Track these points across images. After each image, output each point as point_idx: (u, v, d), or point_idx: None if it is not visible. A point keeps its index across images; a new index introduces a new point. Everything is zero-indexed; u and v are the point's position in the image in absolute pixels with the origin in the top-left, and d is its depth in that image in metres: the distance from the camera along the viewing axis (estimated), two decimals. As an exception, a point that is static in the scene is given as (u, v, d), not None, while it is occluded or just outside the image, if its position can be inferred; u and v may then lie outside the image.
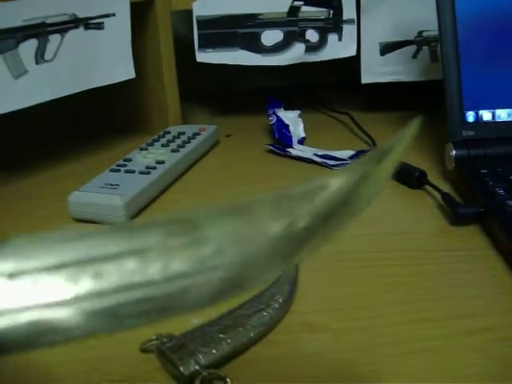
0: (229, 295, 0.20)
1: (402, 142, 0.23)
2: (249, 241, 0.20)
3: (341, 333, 0.42)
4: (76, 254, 0.19)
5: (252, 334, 0.40)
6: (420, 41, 0.83)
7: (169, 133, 0.76)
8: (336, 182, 0.23)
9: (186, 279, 0.19)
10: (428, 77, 0.83)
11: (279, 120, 0.78)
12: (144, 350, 0.40)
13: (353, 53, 0.82)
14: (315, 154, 0.73)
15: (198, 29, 0.80)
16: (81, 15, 0.69)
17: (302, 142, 0.78)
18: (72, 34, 0.68)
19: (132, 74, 0.75)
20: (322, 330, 0.42)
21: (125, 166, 0.65)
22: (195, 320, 0.41)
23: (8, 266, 0.19)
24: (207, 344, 0.38)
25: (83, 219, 0.59)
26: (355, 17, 0.81)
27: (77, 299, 0.18)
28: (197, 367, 0.36)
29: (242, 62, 0.82)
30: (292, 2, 0.80)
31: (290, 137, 0.77)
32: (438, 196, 0.60)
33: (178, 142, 0.72)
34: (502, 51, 0.65)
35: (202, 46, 0.81)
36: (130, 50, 0.74)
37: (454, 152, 0.63)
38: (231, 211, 0.21)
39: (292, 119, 0.80)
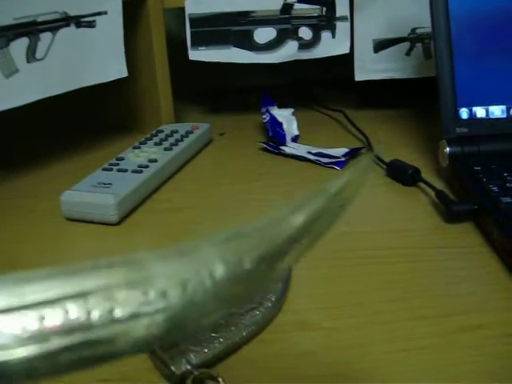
0: (171, 337, 0.20)
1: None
2: (192, 283, 0.20)
3: (334, 331, 0.41)
4: (20, 299, 0.19)
5: (244, 333, 0.40)
6: (413, 38, 0.83)
7: (162, 131, 0.75)
8: (296, 219, 0.22)
9: (131, 322, 0.19)
10: (421, 74, 0.83)
11: (273, 118, 0.78)
12: (135, 350, 0.39)
13: (346, 50, 0.81)
14: (309, 152, 0.72)
15: (191, 27, 0.80)
16: (72, 13, 0.68)
17: (295, 139, 0.78)
18: (63, 33, 0.68)
19: (124, 73, 0.75)
20: (314, 329, 0.42)
21: (117, 164, 0.65)
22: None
23: None
24: (199, 343, 0.38)
25: (75, 218, 0.59)
26: (348, 14, 0.80)
27: (22, 342, 0.18)
28: (188, 367, 0.36)
29: (235, 60, 0.81)
30: (285, 0, 0.80)
31: (284, 135, 0.77)
32: (432, 193, 0.60)
33: (171, 140, 0.72)
34: (495, 48, 0.65)
35: (195, 44, 0.80)
36: (123, 48, 0.74)
37: (447, 149, 0.63)
38: (178, 252, 0.21)
39: (285, 117, 0.80)
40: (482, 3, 0.65)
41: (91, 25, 0.71)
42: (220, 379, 0.36)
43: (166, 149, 0.69)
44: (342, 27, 0.81)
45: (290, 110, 0.82)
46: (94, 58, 0.71)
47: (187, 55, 0.81)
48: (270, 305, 0.42)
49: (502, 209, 0.52)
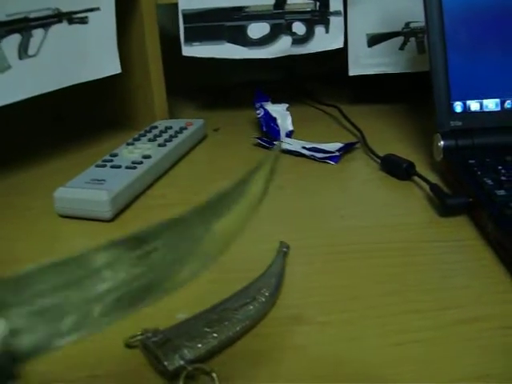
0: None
1: None
2: None
3: (328, 325, 0.41)
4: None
5: (238, 328, 0.39)
6: (407, 32, 0.82)
7: (156, 127, 0.75)
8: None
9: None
10: (415, 68, 0.83)
11: (267, 113, 0.77)
12: (129, 346, 0.39)
13: (340, 45, 0.81)
14: (303, 147, 0.72)
15: (184, 22, 0.80)
16: (64, 9, 0.68)
17: (289, 135, 0.78)
18: (55, 29, 0.67)
19: (118, 69, 0.74)
20: (309, 323, 0.42)
21: (111, 161, 0.65)
22: (181, 315, 0.40)
23: None
24: (193, 338, 0.38)
25: (69, 215, 0.58)
26: (342, 9, 0.80)
27: None
28: (182, 362, 0.36)
29: (229, 56, 0.81)
30: (278, -5, 0.80)
31: (278, 130, 0.77)
32: (427, 187, 0.60)
33: (165, 136, 0.72)
34: (488, 41, 0.65)
35: (188, 40, 0.80)
36: (116, 44, 0.73)
37: (441, 142, 0.63)
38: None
39: (280, 112, 0.79)
40: (476, -4, 0.65)
41: (84, 21, 0.70)
42: (214, 374, 0.36)
43: (159, 145, 0.69)
44: (336, 22, 0.81)
45: (285, 106, 0.82)
46: (87, 54, 0.71)
47: (181, 51, 0.80)
48: (263, 299, 0.42)
49: (497, 202, 0.52)
